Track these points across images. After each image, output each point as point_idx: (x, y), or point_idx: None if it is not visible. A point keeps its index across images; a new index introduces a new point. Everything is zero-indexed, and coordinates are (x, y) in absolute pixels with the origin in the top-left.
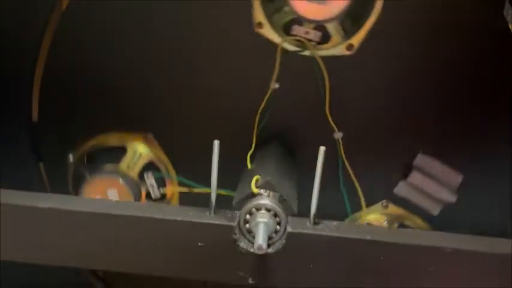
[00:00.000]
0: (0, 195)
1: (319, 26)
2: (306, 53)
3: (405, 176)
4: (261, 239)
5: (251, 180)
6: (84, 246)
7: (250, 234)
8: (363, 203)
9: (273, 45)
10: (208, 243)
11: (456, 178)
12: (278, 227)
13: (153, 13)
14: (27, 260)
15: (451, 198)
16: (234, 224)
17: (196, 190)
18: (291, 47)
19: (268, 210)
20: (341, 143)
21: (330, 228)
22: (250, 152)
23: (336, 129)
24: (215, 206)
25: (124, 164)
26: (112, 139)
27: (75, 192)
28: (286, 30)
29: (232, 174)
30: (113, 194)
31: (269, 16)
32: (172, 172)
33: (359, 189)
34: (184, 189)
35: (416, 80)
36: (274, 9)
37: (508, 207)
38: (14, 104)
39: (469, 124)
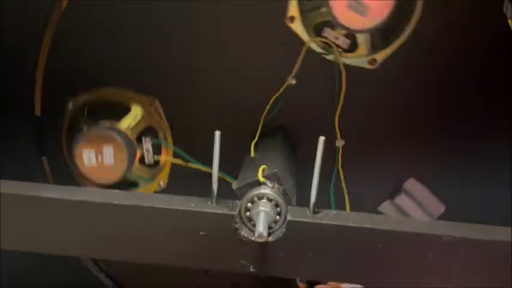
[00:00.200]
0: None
1: (350, 34)
2: (330, 57)
3: (392, 196)
4: (261, 227)
5: (256, 168)
6: (85, 236)
7: (251, 222)
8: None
9: (299, 42)
10: (210, 232)
11: (439, 208)
12: (278, 217)
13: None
14: (28, 250)
15: None
16: (235, 213)
17: (190, 165)
18: (316, 48)
19: (270, 200)
20: (340, 151)
21: (329, 216)
22: (254, 140)
23: (339, 136)
24: (216, 195)
25: (125, 123)
26: (117, 95)
27: (68, 146)
28: (316, 30)
29: (230, 159)
30: (108, 152)
31: (303, 13)
32: (170, 142)
33: (346, 199)
34: (179, 161)
35: (427, 104)
36: (310, 7)
37: (508, 207)
38: (16, 98)
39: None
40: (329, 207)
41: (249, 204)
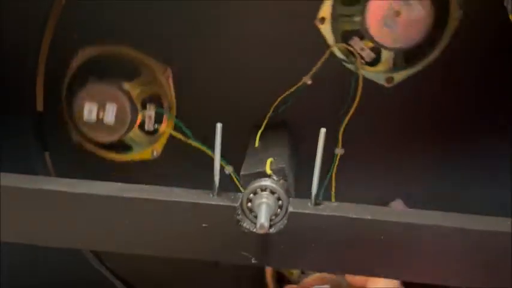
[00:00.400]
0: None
1: (377, 48)
2: (350, 66)
3: None
4: (263, 218)
5: (263, 160)
6: (87, 228)
7: (252, 213)
8: None
9: (323, 44)
10: (212, 224)
11: None
12: (279, 210)
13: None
14: (30, 242)
15: None
16: (237, 204)
17: (189, 141)
18: (339, 54)
19: (272, 192)
20: (337, 159)
21: (331, 208)
22: (260, 130)
23: (340, 145)
24: (218, 188)
25: (134, 84)
26: (129, 55)
27: (68, 98)
28: (343, 36)
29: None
30: (111, 110)
31: (335, 16)
32: (174, 114)
33: None
34: (178, 135)
35: (431, 132)
36: (343, 13)
37: (508, 207)
38: (17, 93)
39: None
40: None
41: (252, 195)
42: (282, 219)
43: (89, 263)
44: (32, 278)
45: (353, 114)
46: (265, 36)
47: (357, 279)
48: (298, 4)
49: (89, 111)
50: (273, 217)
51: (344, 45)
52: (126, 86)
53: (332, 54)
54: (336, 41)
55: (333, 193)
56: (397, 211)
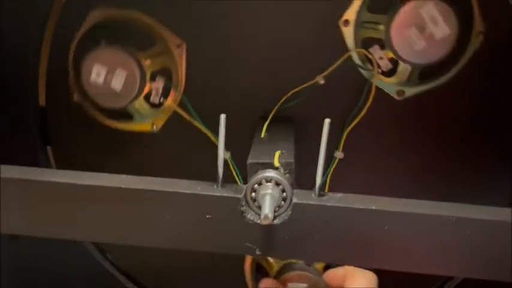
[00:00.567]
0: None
1: (395, 59)
2: (365, 72)
3: None
4: (267, 209)
5: (271, 151)
6: (91, 220)
7: (255, 203)
8: None
9: (342, 46)
10: (216, 216)
11: None
12: (283, 202)
13: None
14: (32, 234)
15: None
16: (241, 196)
17: (193, 121)
18: (356, 58)
19: (277, 184)
20: (336, 162)
21: (334, 199)
22: (267, 122)
23: (341, 149)
24: (222, 179)
25: (146, 54)
26: (147, 22)
27: (77, 58)
28: (364, 42)
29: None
30: (120, 76)
31: (360, 21)
32: (181, 90)
33: None
34: (183, 113)
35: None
36: (368, 19)
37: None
38: (20, 88)
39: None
40: None
41: (256, 186)
42: (286, 210)
43: (91, 255)
44: (35, 271)
45: (362, 120)
46: (285, 31)
47: (335, 279)
48: (322, 4)
49: (97, 73)
50: (277, 208)
51: (364, 51)
52: (140, 54)
53: (349, 58)
54: (356, 46)
55: None
56: (401, 201)
